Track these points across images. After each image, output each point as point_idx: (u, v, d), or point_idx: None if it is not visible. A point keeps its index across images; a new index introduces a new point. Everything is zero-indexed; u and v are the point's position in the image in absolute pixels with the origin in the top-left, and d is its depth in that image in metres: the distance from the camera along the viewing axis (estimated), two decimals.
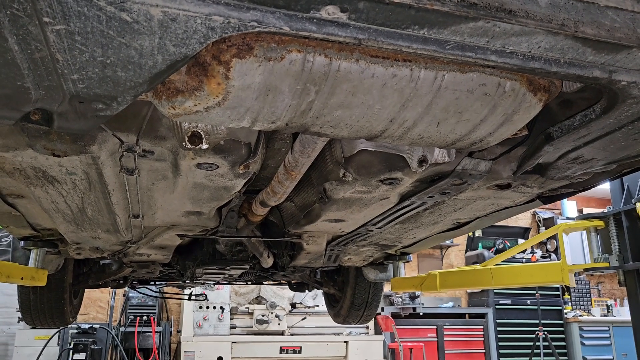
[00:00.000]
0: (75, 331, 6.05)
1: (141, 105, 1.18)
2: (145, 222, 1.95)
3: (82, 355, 5.36)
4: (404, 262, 3.08)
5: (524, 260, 9.20)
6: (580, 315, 9.69)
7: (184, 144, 1.21)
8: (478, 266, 2.84)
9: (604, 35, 0.83)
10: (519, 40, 0.84)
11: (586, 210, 10.46)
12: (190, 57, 0.82)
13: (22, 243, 2.39)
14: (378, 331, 8.09)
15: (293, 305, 7.78)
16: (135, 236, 2.20)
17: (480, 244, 10.21)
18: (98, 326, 6.29)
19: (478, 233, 10.32)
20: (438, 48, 0.85)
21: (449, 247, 10.48)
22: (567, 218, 10.83)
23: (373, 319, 7.93)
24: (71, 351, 5.45)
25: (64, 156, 1.25)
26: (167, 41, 0.78)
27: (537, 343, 7.94)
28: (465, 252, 10.34)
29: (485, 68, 0.97)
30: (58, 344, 6.36)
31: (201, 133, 1.21)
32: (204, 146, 1.22)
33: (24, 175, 1.42)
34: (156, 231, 2.14)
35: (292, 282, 4.20)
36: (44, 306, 3.09)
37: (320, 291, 4.28)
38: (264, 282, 4.58)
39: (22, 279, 2.30)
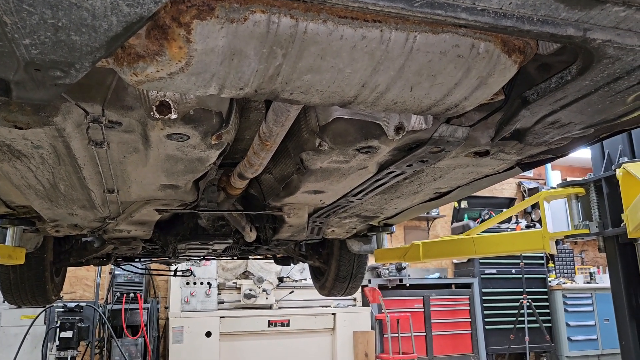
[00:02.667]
0: (62, 310, 6.04)
1: (105, 74, 1.14)
2: (121, 197, 1.91)
3: (69, 334, 5.36)
4: (388, 234, 3.09)
5: (509, 230, 9.31)
6: (563, 283, 9.87)
7: (151, 113, 1.17)
8: (460, 236, 2.85)
9: None
10: None
11: (571, 180, 10.57)
12: (147, 18, 0.78)
13: None
14: (365, 303, 8.18)
15: (280, 280, 7.82)
16: (113, 212, 2.16)
17: (466, 215, 10.30)
18: (84, 304, 6.27)
19: (464, 204, 10.41)
20: (406, 5, 0.82)
21: (435, 218, 10.57)
22: (552, 188, 10.94)
23: (360, 291, 8.04)
24: (58, 329, 5.44)
25: (26, 128, 1.21)
26: (119, 1, 0.74)
27: (522, 311, 8.09)
28: (452, 224, 10.44)
29: (458, 28, 0.94)
30: (44, 323, 6.35)
31: (169, 102, 1.17)
32: (173, 116, 1.18)
33: None
34: (134, 206, 2.10)
35: (277, 256, 4.21)
36: (24, 285, 3.06)
37: (307, 265, 4.29)
38: (249, 257, 4.58)
39: None
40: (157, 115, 1.17)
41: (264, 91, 1.02)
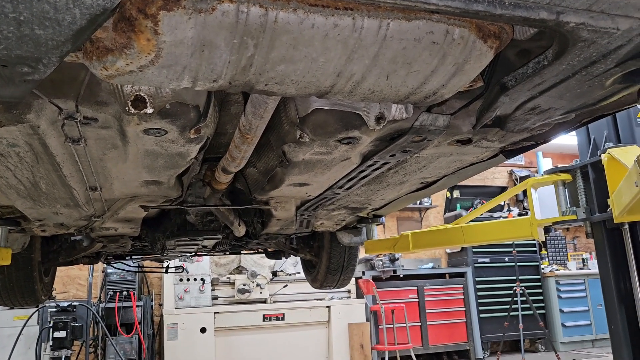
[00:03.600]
0: (55, 309, 6.01)
1: (77, 69, 1.12)
2: (104, 194, 1.89)
3: (63, 333, 5.34)
4: (378, 225, 3.09)
5: (501, 218, 9.34)
6: (556, 270, 9.93)
7: (127, 108, 1.15)
8: (449, 225, 2.86)
9: None
10: None
11: (558, 167, 10.61)
12: (111, 10, 0.77)
13: None
14: (360, 295, 8.20)
15: (274, 274, 7.82)
16: (97, 210, 2.14)
17: (458, 205, 10.33)
18: (77, 303, 6.25)
19: (456, 194, 10.43)
20: None
21: (427, 209, 10.59)
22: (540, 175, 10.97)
23: (354, 282, 8.06)
24: (51, 329, 5.42)
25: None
26: None
27: (515, 299, 8.13)
28: (444, 214, 10.47)
29: (431, 15, 0.93)
30: (38, 323, 6.32)
31: (144, 96, 1.15)
32: (149, 110, 1.17)
33: None
34: (118, 204, 2.09)
35: (269, 250, 4.20)
36: (13, 285, 3.03)
37: (299, 258, 4.29)
38: (241, 252, 4.57)
39: None
40: (133, 110, 1.15)
41: (238, 83, 1.01)
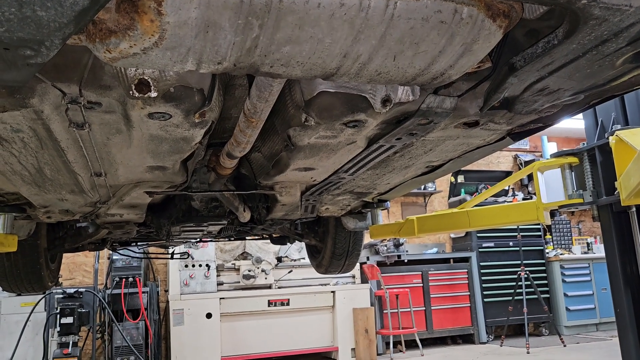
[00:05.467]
0: (61, 296, 6.06)
1: (81, 53, 1.11)
2: (109, 180, 1.89)
3: (70, 319, 5.38)
4: (383, 210, 3.08)
5: (505, 203, 9.32)
6: (561, 254, 9.93)
7: (131, 92, 1.14)
8: (455, 209, 2.84)
9: None
10: None
11: (565, 150, 10.56)
12: None
13: None
14: (364, 280, 8.23)
15: (279, 259, 7.85)
16: (103, 196, 2.14)
17: (462, 190, 10.31)
18: (84, 290, 6.29)
19: (460, 179, 10.41)
20: None
21: (432, 194, 10.58)
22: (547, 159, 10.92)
23: (358, 268, 8.08)
24: (58, 316, 5.47)
25: (3, 111, 1.18)
26: None
27: (520, 283, 8.15)
28: (449, 199, 10.45)
29: None
30: (45, 310, 6.38)
31: (148, 80, 1.14)
32: (153, 94, 1.16)
33: None
34: (123, 189, 2.09)
35: (274, 235, 4.21)
36: (19, 272, 3.05)
37: (304, 243, 4.30)
38: (246, 237, 4.58)
39: None
40: (137, 94, 1.14)
41: (243, 65, 0.99)
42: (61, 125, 1.33)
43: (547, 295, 9.54)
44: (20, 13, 0.77)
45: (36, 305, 6.14)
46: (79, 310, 5.50)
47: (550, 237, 10.49)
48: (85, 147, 1.52)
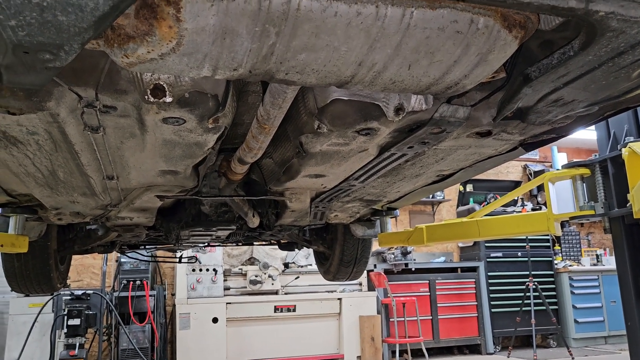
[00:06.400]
0: (69, 297, 6.09)
1: (97, 57, 1.12)
2: (121, 183, 1.90)
3: (77, 321, 5.40)
4: (392, 218, 3.07)
5: (514, 213, 9.26)
6: (570, 266, 9.85)
7: (146, 97, 1.15)
8: (464, 218, 2.83)
9: None
10: None
11: (576, 161, 10.49)
12: None
13: (0, 210, 2.35)
14: (371, 287, 8.20)
15: (286, 265, 7.85)
16: (114, 199, 2.15)
17: (471, 199, 10.27)
18: (91, 292, 6.31)
19: (469, 188, 10.37)
20: None
21: (440, 202, 10.54)
22: (558, 170, 10.85)
23: (365, 275, 8.06)
24: (65, 317, 5.49)
25: (20, 114, 1.20)
26: None
27: (528, 294, 8.09)
28: (457, 207, 10.41)
29: (456, 3, 0.91)
30: (52, 311, 6.41)
31: (164, 85, 1.15)
32: (168, 99, 1.17)
33: None
34: (134, 193, 2.10)
35: (282, 241, 4.21)
36: (29, 273, 3.07)
37: (312, 250, 4.29)
38: (254, 243, 4.59)
39: (1, 246, 2.26)
40: (152, 99, 1.15)
41: (259, 71, 1.00)
42: (76, 128, 1.34)
43: (556, 307, 9.46)
44: (42, 17, 0.78)
45: (44, 306, 6.17)
46: (86, 312, 5.52)
47: (559, 248, 10.41)
48: (99, 151, 1.53)
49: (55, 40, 0.83)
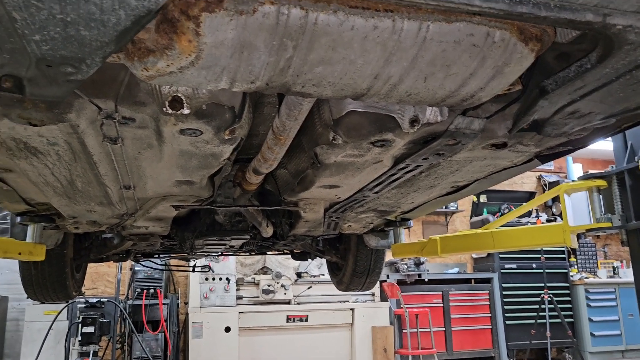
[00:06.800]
0: (84, 305, 6.14)
1: (117, 70, 1.14)
2: (137, 193, 1.92)
3: (91, 329, 5.45)
4: (405, 228, 3.06)
5: (529, 224, 9.19)
6: (586, 278, 9.72)
7: (164, 109, 1.17)
8: (479, 230, 2.81)
9: None
10: None
11: (592, 172, 10.38)
12: (155, 12, 0.78)
13: (18, 219, 2.38)
14: (384, 298, 8.16)
15: (298, 275, 7.84)
16: (130, 208, 2.17)
17: (485, 210, 10.20)
18: (106, 300, 6.36)
19: (483, 198, 10.30)
20: None
21: (453, 213, 10.48)
22: (573, 181, 10.76)
23: (378, 286, 8.01)
24: (80, 325, 5.53)
25: (41, 125, 1.22)
26: None
27: (543, 306, 7.99)
28: (470, 218, 10.34)
29: (472, 17, 0.92)
30: (67, 318, 6.46)
31: (182, 97, 1.17)
32: (186, 111, 1.18)
33: (6, 147, 1.39)
34: (150, 202, 2.12)
35: (295, 251, 4.21)
36: (45, 281, 3.10)
37: (325, 260, 4.29)
38: (267, 252, 4.59)
39: (19, 254, 2.29)
40: (170, 111, 1.17)
41: (276, 84, 1.01)
42: (95, 139, 1.37)
43: (571, 320, 9.33)
44: (65, 32, 0.80)
45: (59, 313, 6.23)
46: (100, 320, 5.56)
47: (575, 260, 10.28)
48: (117, 161, 1.55)
49: (77, 54, 0.85)
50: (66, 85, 0.96)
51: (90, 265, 5.93)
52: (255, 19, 0.83)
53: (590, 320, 9.25)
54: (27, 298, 3.58)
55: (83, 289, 6.86)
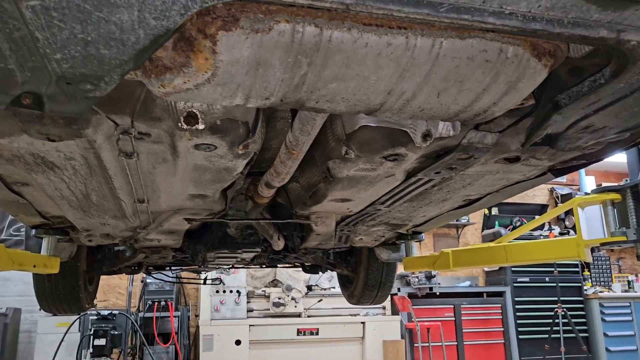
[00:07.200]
0: (95, 317, 6.16)
1: (134, 86, 1.16)
2: (151, 206, 1.94)
3: (103, 341, 5.47)
4: (417, 242, 3.05)
5: (541, 237, 9.10)
6: (600, 292, 9.58)
7: (179, 124, 1.18)
8: (491, 243, 2.79)
9: None
10: None
11: (606, 185, 10.29)
12: (173, 31, 0.79)
13: (33, 231, 2.41)
14: (395, 312, 8.10)
15: (309, 288, 7.81)
16: (143, 221, 2.19)
17: (496, 222, 10.12)
18: (117, 312, 6.39)
19: (494, 211, 10.23)
20: (432, 11, 0.81)
21: (465, 226, 10.41)
22: (586, 194, 10.66)
23: (389, 299, 7.96)
24: (92, 337, 5.55)
25: (59, 140, 1.24)
26: (146, 14, 0.75)
27: (557, 320, 7.88)
28: (482, 231, 10.27)
29: (485, 33, 0.93)
30: (79, 330, 6.48)
31: (197, 113, 1.18)
32: (200, 126, 1.20)
33: (24, 161, 1.41)
34: (163, 216, 2.13)
35: (306, 264, 4.20)
36: (59, 293, 3.12)
37: (336, 273, 4.28)
38: (278, 265, 4.59)
39: (34, 266, 2.32)
40: (185, 126, 1.18)
41: (290, 100, 1.02)
42: (111, 154, 1.39)
43: (586, 334, 9.18)
44: (85, 51, 0.82)
45: (71, 325, 6.25)
46: (111, 332, 5.58)
47: (589, 273, 10.15)
48: (132, 175, 1.57)
49: (96, 72, 0.87)
50: (85, 102, 0.97)
51: (102, 277, 5.96)
52: (271, 37, 0.85)
53: (605, 335, 9.11)
54: (40, 310, 3.60)
55: (95, 301, 6.90)
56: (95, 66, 0.86)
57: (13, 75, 0.88)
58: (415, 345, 7.92)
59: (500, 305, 8.97)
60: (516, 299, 9.08)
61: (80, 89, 0.92)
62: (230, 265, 4.18)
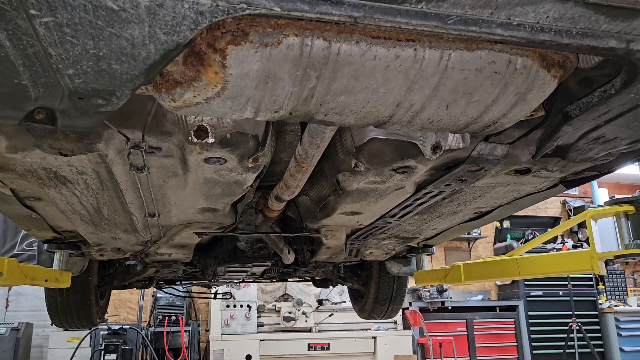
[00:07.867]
0: (106, 332, 6.16)
1: (145, 101, 1.17)
2: (161, 220, 1.95)
3: (114, 356, 5.46)
4: (428, 255, 3.03)
5: (554, 250, 9.00)
6: (615, 306, 9.43)
7: (190, 138, 1.19)
8: (503, 257, 2.76)
9: (617, 0, 0.78)
10: (525, 10, 0.79)
11: (619, 197, 10.16)
12: (183, 46, 0.80)
13: (45, 246, 2.43)
14: (406, 326, 8.02)
15: (320, 302, 7.76)
16: (154, 235, 2.20)
17: (508, 235, 10.04)
18: (128, 327, 6.39)
19: (506, 224, 10.15)
20: (439, 23, 0.81)
21: (476, 239, 10.33)
22: (599, 206, 10.54)
23: (401, 313, 7.89)
24: (102, 352, 5.55)
25: (71, 155, 1.25)
26: (157, 29, 0.76)
27: (571, 335, 7.76)
28: (494, 244, 10.18)
29: (493, 44, 0.93)
30: (90, 345, 6.49)
31: (207, 127, 1.19)
32: (210, 140, 1.21)
33: (36, 176, 1.43)
34: (174, 230, 2.14)
35: (316, 278, 4.19)
36: (70, 308, 3.13)
37: (346, 287, 4.26)
38: (288, 279, 4.58)
39: (46, 281, 2.33)
40: (195, 140, 1.19)
41: (299, 113, 1.02)
42: (122, 168, 1.40)
43: (602, 349, 9.02)
44: (97, 66, 0.83)
45: (82, 340, 6.26)
46: (122, 347, 5.57)
47: (603, 287, 10.00)
48: (142, 189, 1.58)
49: (108, 87, 0.88)
50: (96, 117, 0.99)
51: (113, 292, 5.98)
52: (280, 50, 0.85)
53: (621, 350, 8.94)
54: (52, 325, 3.61)
55: (106, 316, 6.92)
56: (107, 81, 0.87)
57: (27, 90, 0.89)
58: None
59: (513, 319, 8.85)
60: (529, 313, 8.97)
61: (92, 104, 0.93)
62: (241, 280, 4.17)
